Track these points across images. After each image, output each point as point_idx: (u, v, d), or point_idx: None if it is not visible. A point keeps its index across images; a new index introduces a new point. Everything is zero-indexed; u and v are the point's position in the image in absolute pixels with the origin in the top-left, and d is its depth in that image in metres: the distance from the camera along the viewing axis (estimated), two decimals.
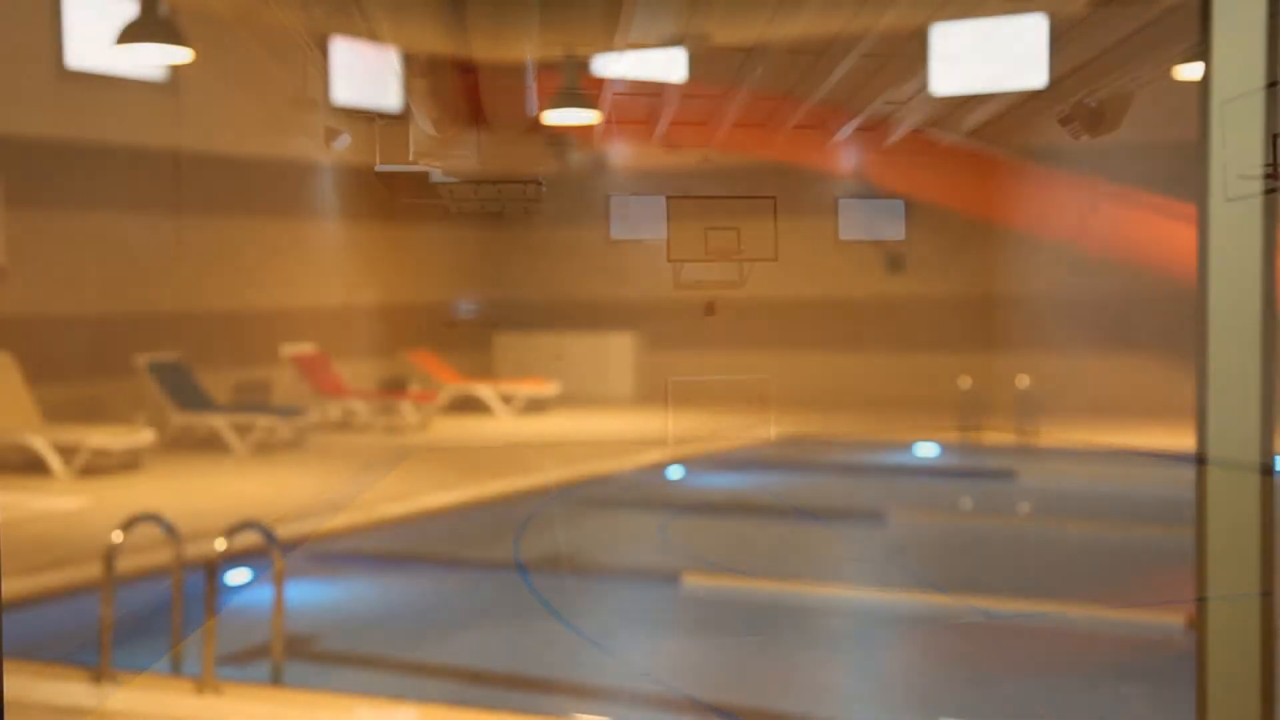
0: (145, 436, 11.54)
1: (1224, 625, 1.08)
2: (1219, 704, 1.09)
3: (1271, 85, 1.13)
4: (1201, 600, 1.10)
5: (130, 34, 10.24)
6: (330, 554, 8.67)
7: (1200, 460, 1.12)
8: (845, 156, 16.05)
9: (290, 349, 15.24)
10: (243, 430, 13.32)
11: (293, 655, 6.32)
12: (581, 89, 14.51)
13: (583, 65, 17.10)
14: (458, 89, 17.91)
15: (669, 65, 18.31)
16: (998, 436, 12.70)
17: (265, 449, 13.05)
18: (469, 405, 17.00)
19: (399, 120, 17.98)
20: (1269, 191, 1.13)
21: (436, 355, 17.50)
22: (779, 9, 14.43)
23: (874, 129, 16.02)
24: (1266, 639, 1.08)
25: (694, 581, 7.97)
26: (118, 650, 5.63)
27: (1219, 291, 1.09)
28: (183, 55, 10.61)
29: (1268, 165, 1.14)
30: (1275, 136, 1.14)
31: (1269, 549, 1.09)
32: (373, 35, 14.52)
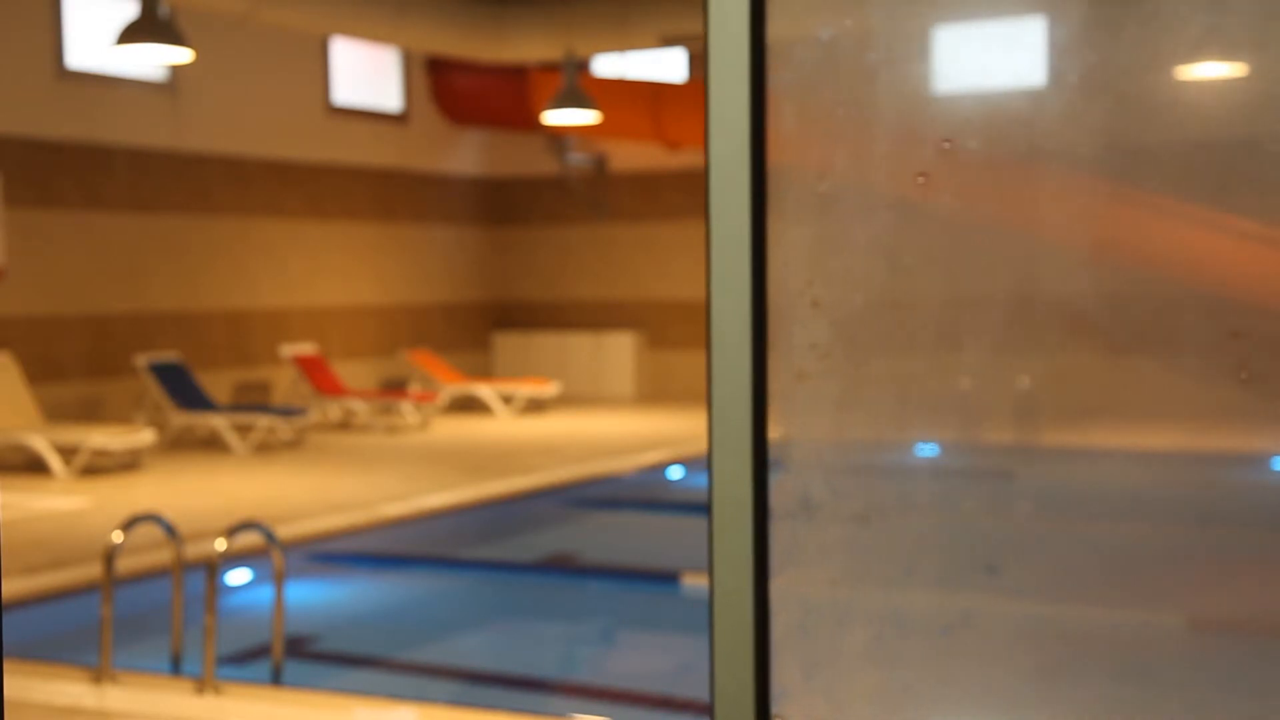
0: (145, 436, 11.55)
1: (727, 589, 1.28)
2: (724, 658, 1.29)
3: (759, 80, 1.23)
4: (711, 569, 1.24)
5: (130, 34, 10.25)
6: (330, 554, 8.67)
7: (710, 443, 1.27)
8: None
9: (290, 349, 15.25)
10: (243, 430, 13.32)
11: (293, 655, 6.33)
12: (582, 89, 14.51)
13: (583, 65, 17.10)
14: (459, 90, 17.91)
15: (670, 65, 18.32)
16: (998, 436, 12.69)
17: (265, 449, 13.05)
18: (469, 405, 17.00)
19: (401, 120, 17.97)
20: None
21: (436, 355, 17.50)
22: None
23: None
24: (760, 600, 1.28)
25: (694, 581, 7.97)
26: (118, 650, 5.63)
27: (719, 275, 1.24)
28: (183, 55, 10.61)
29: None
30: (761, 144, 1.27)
31: (762, 523, 1.28)
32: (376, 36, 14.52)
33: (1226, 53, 1.21)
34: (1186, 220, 1.23)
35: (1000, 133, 1.27)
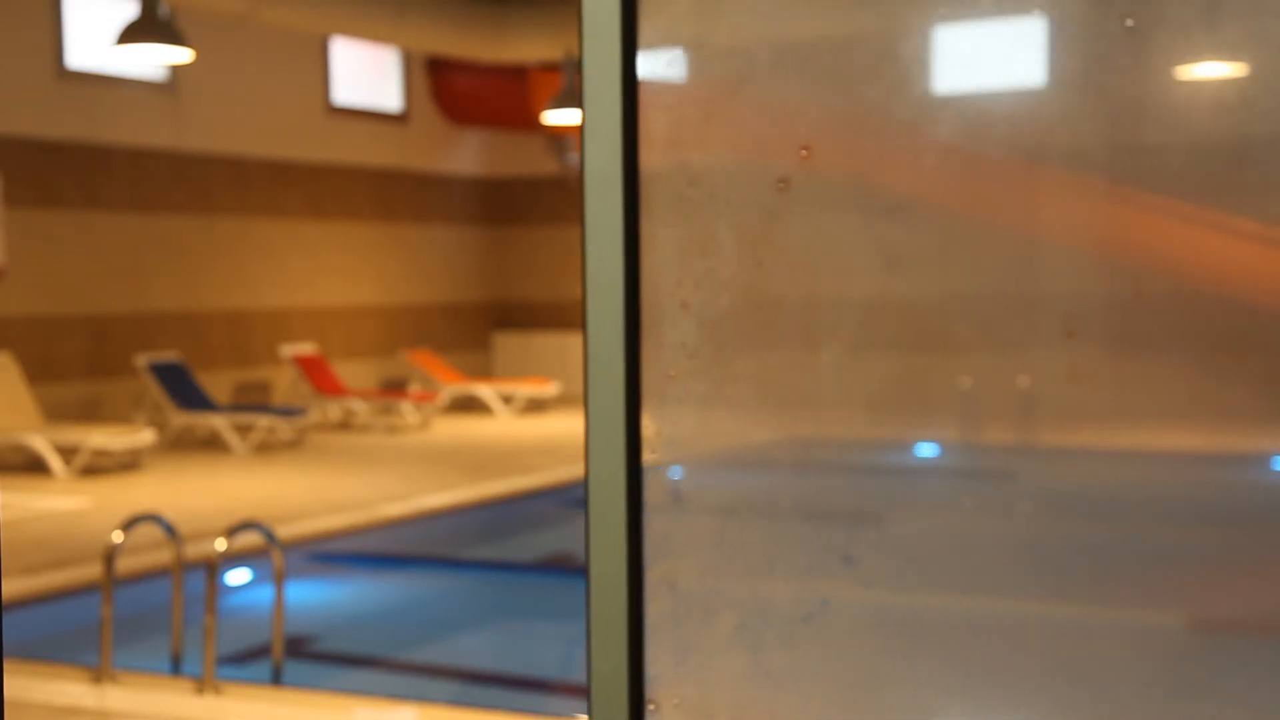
0: (145, 436, 11.55)
1: (603, 580, 1.37)
2: (600, 646, 1.38)
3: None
4: (587, 560, 1.36)
5: (130, 34, 10.25)
6: (330, 554, 8.67)
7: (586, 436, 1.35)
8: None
9: (290, 349, 15.25)
10: (243, 430, 13.32)
11: (293, 655, 6.33)
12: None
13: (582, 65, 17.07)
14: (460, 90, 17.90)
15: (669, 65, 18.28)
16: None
17: (265, 449, 13.06)
18: (469, 405, 17.01)
19: (401, 120, 17.98)
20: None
21: (436, 355, 17.50)
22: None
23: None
24: (634, 590, 1.37)
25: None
26: (118, 650, 5.63)
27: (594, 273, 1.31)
28: (183, 55, 10.61)
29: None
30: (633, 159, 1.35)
31: (636, 516, 1.37)
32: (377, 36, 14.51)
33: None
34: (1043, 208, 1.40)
35: (855, 140, 1.37)
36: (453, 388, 16.48)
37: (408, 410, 15.20)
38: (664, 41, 1.38)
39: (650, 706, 1.42)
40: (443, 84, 17.94)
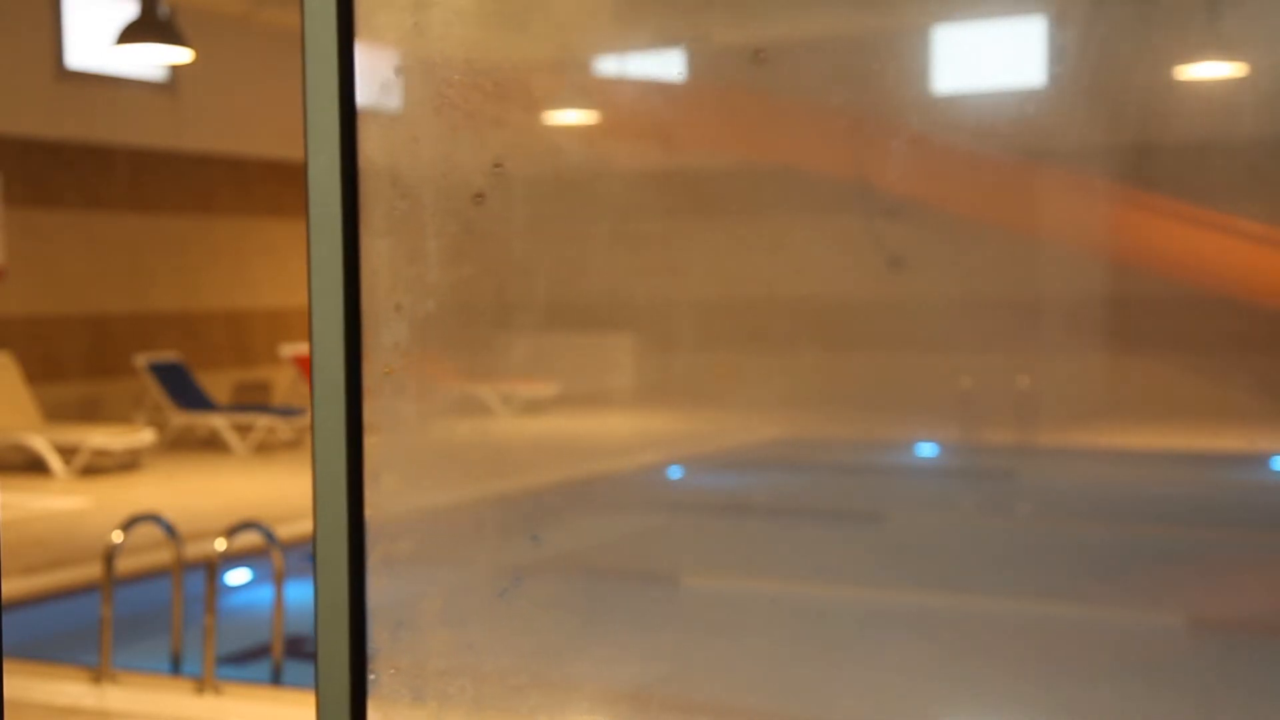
0: (145, 436, 11.55)
1: (329, 564, 1.45)
2: (325, 625, 1.47)
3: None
4: (314, 547, 1.45)
5: (130, 34, 10.25)
6: None
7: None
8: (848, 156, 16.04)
9: (290, 349, 15.25)
10: (243, 430, 13.32)
11: (293, 655, 6.33)
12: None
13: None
14: None
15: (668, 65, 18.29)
16: (998, 436, 12.72)
17: (265, 449, 13.05)
18: (469, 405, 17.00)
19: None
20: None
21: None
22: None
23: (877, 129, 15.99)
24: (356, 573, 1.45)
25: (694, 582, 7.98)
26: (118, 650, 5.64)
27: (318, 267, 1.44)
28: (183, 55, 10.62)
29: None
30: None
31: (357, 504, 1.47)
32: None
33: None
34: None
35: (543, 156, 1.50)
36: (453, 388, 16.47)
37: None
38: (378, 65, 1.50)
39: (371, 676, 1.54)
40: None
